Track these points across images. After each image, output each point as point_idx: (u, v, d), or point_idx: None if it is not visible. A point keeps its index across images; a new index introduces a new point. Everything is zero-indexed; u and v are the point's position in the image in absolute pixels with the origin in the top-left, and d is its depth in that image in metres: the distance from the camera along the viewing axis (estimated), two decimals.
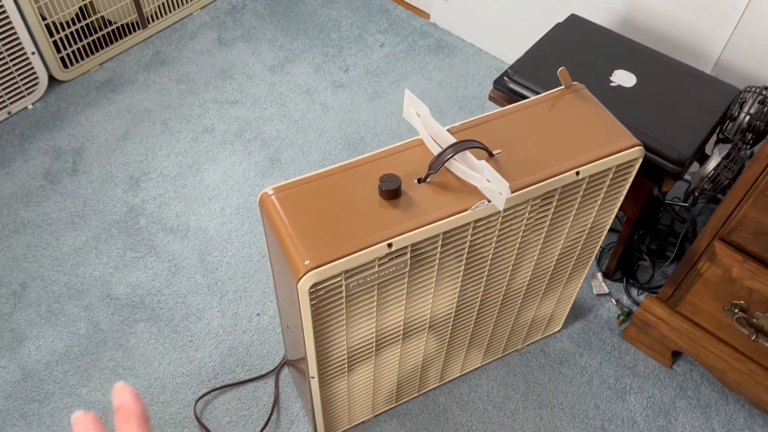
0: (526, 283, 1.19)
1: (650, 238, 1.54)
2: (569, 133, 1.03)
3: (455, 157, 0.96)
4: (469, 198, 0.94)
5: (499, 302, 1.20)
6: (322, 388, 1.13)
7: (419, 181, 0.96)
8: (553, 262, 1.18)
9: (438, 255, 0.97)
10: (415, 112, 1.01)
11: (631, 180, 1.07)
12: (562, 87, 1.10)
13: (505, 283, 1.15)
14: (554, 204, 1.02)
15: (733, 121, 1.31)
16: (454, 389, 1.39)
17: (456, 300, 1.11)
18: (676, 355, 1.43)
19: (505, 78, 1.38)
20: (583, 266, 1.27)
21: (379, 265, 0.92)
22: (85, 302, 1.49)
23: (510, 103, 1.43)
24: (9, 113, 1.83)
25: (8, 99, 1.81)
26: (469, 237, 0.97)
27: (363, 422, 1.34)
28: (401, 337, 1.12)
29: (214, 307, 1.49)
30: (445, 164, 0.96)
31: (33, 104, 1.87)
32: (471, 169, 0.95)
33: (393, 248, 0.90)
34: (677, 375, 1.42)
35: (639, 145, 1.02)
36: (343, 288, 0.92)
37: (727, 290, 1.20)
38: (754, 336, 1.19)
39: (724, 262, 1.16)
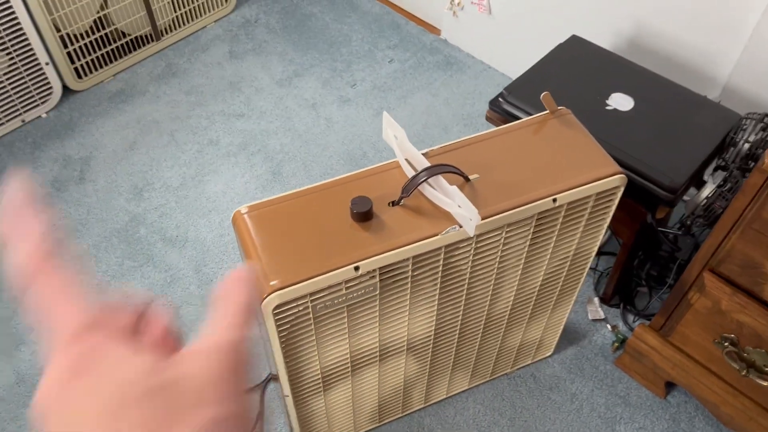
0: (509, 307, 1.18)
1: (650, 263, 1.51)
2: (550, 158, 1.02)
3: (429, 180, 0.95)
4: (441, 223, 0.93)
5: (482, 326, 1.19)
6: (298, 406, 1.13)
7: (392, 204, 0.96)
8: (537, 288, 1.16)
9: (410, 279, 0.97)
10: (392, 135, 1.01)
11: (613, 208, 1.05)
12: (547, 111, 1.09)
13: (486, 307, 1.14)
14: (531, 230, 1.01)
15: (733, 148, 1.28)
16: (439, 411, 1.37)
17: (434, 323, 1.10)
18: (670, 385, 1.40)
19: (500, 99, 1.37)
20: (571, 292, 1.24)
21: (347, 288, 0.92)
22: None
23: (505, 119, 1.42)
24: (23, 121, 1.89)
25: (22, 107, 1.86)
26: (441, 261, 0.97)
27: None
28: (378, 358, 1.11)
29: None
30: (419, 188, 0.96)
31: (47, 113, 1.92)
32: (443, 194, 0.94)
33: (360, 271, 0.90)
34: (671, 406, 1.38)
35: (620, 173, 1.00)
36: (310, 309, 0.92)
37: (717, 322, 1.17)
38: (744, 371, 1.16)
39: (713, 293, 1.13)
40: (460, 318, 1.13)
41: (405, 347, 1.13)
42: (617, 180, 1.00)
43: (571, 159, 1.02)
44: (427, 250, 0.93)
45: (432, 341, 1.15)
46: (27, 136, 1.87)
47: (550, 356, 1.45)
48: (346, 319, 0.98)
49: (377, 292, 0.96)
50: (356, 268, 0.90)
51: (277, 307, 0.87)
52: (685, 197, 1.35)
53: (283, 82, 2.04)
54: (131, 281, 1.57)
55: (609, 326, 1.49)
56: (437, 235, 0.92)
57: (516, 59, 2.00)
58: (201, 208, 1.71)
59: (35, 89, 1.86)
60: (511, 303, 1.17)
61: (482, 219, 0.93)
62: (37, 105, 1.89)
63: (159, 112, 1.95)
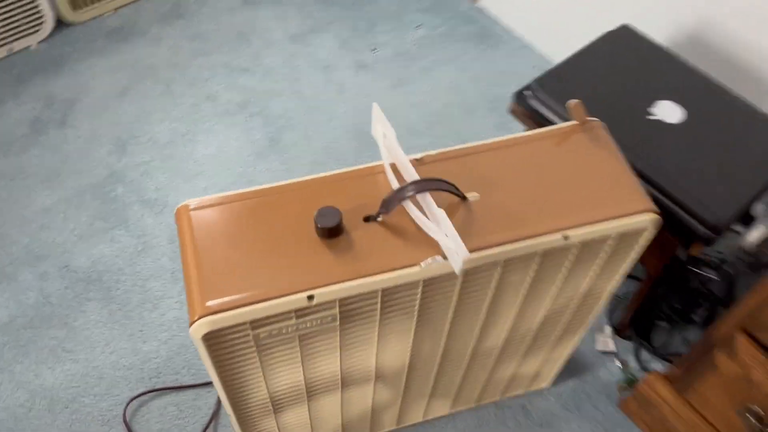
0: (501, 343, 1.01)
1: (676, 296, 1.32)
2: (568, 182, 0.83)
3: (416, 196, 0.78)
4: (423, 250, 0.76)
5: (466, 360, 1.03)
6: (245, 426, 0.99)
7: (367, 219, 0.79)
8: (536, 326, 0.99)
9: (378, 312, 0.80)
10: (381, 132, 0.83)
11: (639, 251, 0.87)
12: (575, 122, 0.89)
13: (473, 343, 0.97)
14: (534, 268, 0.83)
15: None
16: None
17: (409, 355, 0.94)
18: None
19: (527, 92, 1.17)
20: (576, 329, 1.07)
21: (298, 317, 0.76)
22: (41, 269, 1.39)
23: (531, 121, 1.23)
24: (10, 51, 1.73)
25: (10, 36, 1.71)
26: (419, 296, 0.80)
27: None
28: (340, 386, 0.96)
29: (173, 297, 1.37)
30: (402, 204, 0.78)
31: (37, 44, 1.77)
32: (429, 216, 0.77)
33: (315, 301, 0.74)
34: None
35: (652, 212, 0.81)
36: (251, 339, 0.76)
37: (744, 391, 0.99)
38: None
39: (744, 360, 0.95)
40: (440, 352, 0.96)
41: (373, 376, 0.97)
42: (648, 221, 0.81)
43: (595, 185, 0.83)
44: (401, 282, 0.76)
45: (406, 372, 0.99)
46: (12, 68, 1.72)
47: (545, 388, 1.28)
48: (298, 349, 0.82)
49: (337, 323, 0.79)
50: (310, 297, 0.73)
51: (208, 334, 0.72)
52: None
53: (297, 37, 1.85)
54: (99, 245, 1.43)
55: (618, 362, 1.32)
56: (416, 266, 0.75)
57: (559, 40, 1.78)
58: (186, 171, 1.56)
59: (24, 17, 1.70)
60: (503, 339, 1.00)
61: (473, 252, 0.76)
62: (27, 34, 1.73)
63: (157, 57, 1.78)
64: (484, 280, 0.82)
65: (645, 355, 1.33)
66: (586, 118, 0.89)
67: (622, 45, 1.25)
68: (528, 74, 1.78)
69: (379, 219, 0.79)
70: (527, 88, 1.18)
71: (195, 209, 0.80)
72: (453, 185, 0.79)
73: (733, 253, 1.05)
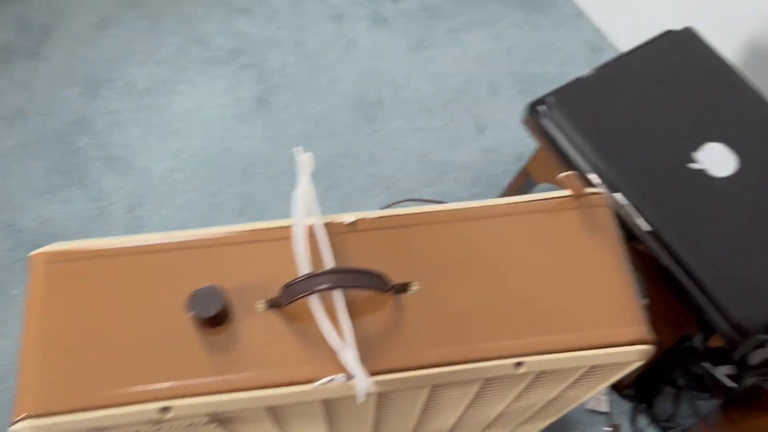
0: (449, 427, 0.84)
1: (689, 367, 1.11)
2: (544, 281, 0.62)
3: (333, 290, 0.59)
4: (326, 362, 0.58)
5: None
6: None
7: (265, 304, 0.60)
8: (492, 418, 0.81)
9: (271, 418, 0.63)
10: (304, 186, 0.63)
11: (618, 377, 0.66)
12: (569, 192, 0.67)
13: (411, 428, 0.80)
14: (476, 390, 0.64)
15: None
16: None
17: None
18: None
19: (541, 108, 0.94)
20: (550, 416, 0.88)
21: (155, 423, 0.60)
22: None
23: (543, 139, 0.99)
24: None
25: None
26: (319, 411, 0.62)
27: None
28: None
29: None
30: (308, 298, 0.59)
31: None
32: (334, 322, 0.58)
33: (172, 414, 0.57)
34: None
35: (644, 343, 0.60)
36: None
37: None
38: None
39: None
40: None
41: None
42: (637, 352, 0.60)
43: (576, 291, 0.62)
44: (291, 402, 0.58)
45: None
46: None
47: None
48: None
49: (215, 425, 0.63)
50: (165, 409, 0.57)
51: None
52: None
53: None
54: (52, 203, 1.29)
55: (609, 427, 1.13)
56: (311, 383, 0.57)
57: (623, 12, 1.49)
58: (161, 127, 1.38)
59: None
60: (451, 425, 0.82)
61: (382, 375, 0.57)
62: None
63: None
64: (407, 397, 0.63)
65: (642, 423, 1.14)
66: (583, 191, 0.66)
67: (678, 54, 0.98)
68: (574, 54, 1.51)
69: (279, 306, 0.60)
70: (543, 101, 0.94)
71: (54, 262, 0.63)
72: (383, 280, 0.59)
73: (760, 370, 0.83)
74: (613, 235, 0.65)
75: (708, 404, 1.14)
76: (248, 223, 0.60)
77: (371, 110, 1.41)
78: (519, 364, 0.59)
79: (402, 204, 1.30)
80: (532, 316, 0.61)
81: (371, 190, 1.33)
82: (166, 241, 0.64)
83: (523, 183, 1.20)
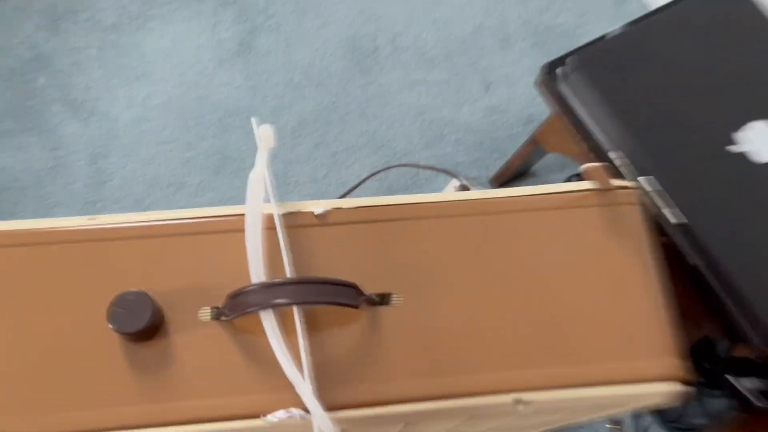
0: None
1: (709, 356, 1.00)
2: (553, 295, 0.50)
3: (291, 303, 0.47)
4: (282, 388, 0.47)
5: None
6: None
7: (212, 313, 0.48)
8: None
9: None
10: (261, 169, 0.50)
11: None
12: (595, 185, 0.54)
13: None
14: (461, 422, 0.53)
15: None
16: None
17: None
18: None
19: (559, 70, 0.80)
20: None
21: None
22: None
23: (559, 105, 0.85)
24: None
25: None
26: None
27: None
28: None
29: None
30: (260, 313, 0.47)
31: None
32: (287, 342, 0.46)
33: None
34: None
35: (675, 380, 0.49)
36: None
37: None
38: None
39: None
40: None
41: None
42: (662, 392, 0.49)
43: (595, 309, 0.50)
44: None
45: None
46: None
47: None
48: None
49: None
50: None
51: None
52: None
53: None
54: (3, 151, 1.16)
55: (610, 425, 1.04)
56: (259, 417, 0.46)
57: None
58: (128, 70, 1.23)
59: None
60: None
61: (352, 410, 0.46)
62: None
63: None
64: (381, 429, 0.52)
65: (647, 421, 1.04)
66: (611, 184, 0.54)
67: (723, 12, 0.83)
68: (596, 3, 1.35)
69: (223, 319, 0.48)
70: (561, 61, 0.80)
71: None
72: (356, 292, 0.47)
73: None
74: (643, 239, 0.53)
75: (719, 403, 1.04)
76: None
77: (365, 59, 1.26)
78: (519, 401, 0.48)
79: (395, 169, 1.17)
80: (538, 340, 0.49)
81: (362, 149, 1.20)
82: (92, 227, 0.52)
83: (531, 151, 1.07)
